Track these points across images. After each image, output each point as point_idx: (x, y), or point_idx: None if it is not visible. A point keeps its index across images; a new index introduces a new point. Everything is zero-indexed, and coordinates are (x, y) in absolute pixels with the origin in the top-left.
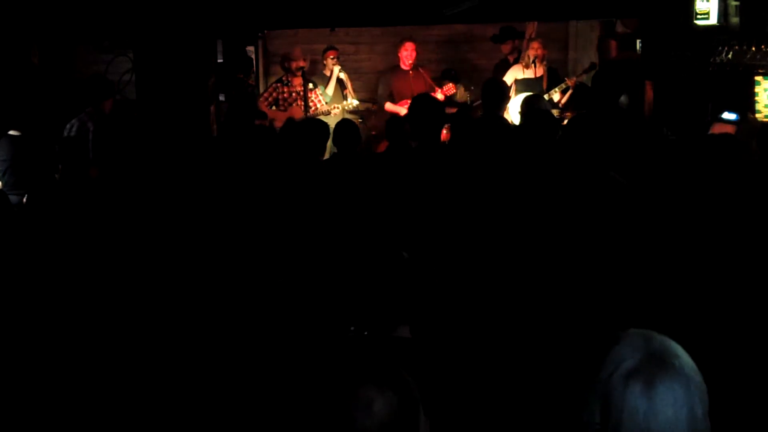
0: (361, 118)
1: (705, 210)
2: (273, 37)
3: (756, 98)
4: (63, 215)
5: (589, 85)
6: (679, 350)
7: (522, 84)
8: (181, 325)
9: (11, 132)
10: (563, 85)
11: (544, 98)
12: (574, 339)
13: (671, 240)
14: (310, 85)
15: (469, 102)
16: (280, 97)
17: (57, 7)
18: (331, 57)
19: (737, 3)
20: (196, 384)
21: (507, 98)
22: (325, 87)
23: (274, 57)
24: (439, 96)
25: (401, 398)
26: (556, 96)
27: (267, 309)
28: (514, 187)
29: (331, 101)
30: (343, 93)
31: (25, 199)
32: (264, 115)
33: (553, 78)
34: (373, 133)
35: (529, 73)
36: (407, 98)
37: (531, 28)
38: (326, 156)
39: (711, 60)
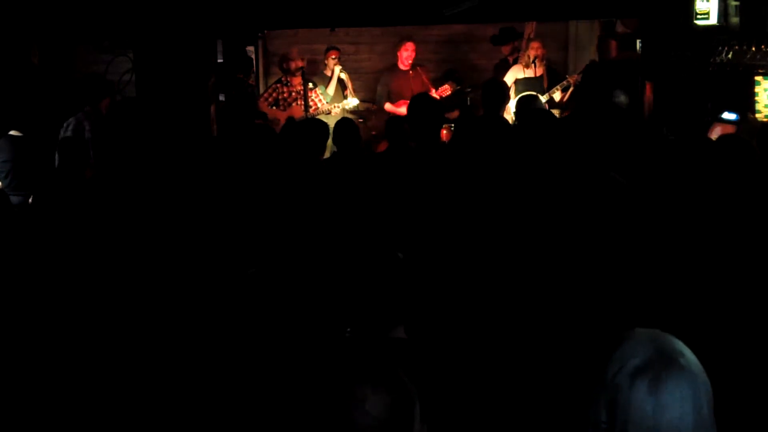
0: (361, 118)
1: (706, 210)
2: (273, 37)
3: (756, 98)
4: (60, 215)
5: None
6: (685, 349)
7: (522, 84)
8: (179, 325)
9: (12, 132)
10: (564, 83)
11: (539, 97)
12: (580, 339)
13: (672, 240)
14: (310, 85)
15: (469, 103)
16: (280, 97)
17: (57, 7)
18: (333, 57)
19: (737, 3)
20: (193, 382)
21: (507, 98)
22: (326, 87)
23: (274, 57)
24: (434, 95)
25: (395, 397)
26: (557, 95)
27: (264, 308)
28: (513, 187)
29: (332, 101)
30: (343, 93)
31: (31, 200)
32: (264, 115)
33: (554, 77)
34: (373, 133)
35: (529, 73)
36: (406, 98)
37: (530, 28)
38: (326, 156)
39: (711, 60)
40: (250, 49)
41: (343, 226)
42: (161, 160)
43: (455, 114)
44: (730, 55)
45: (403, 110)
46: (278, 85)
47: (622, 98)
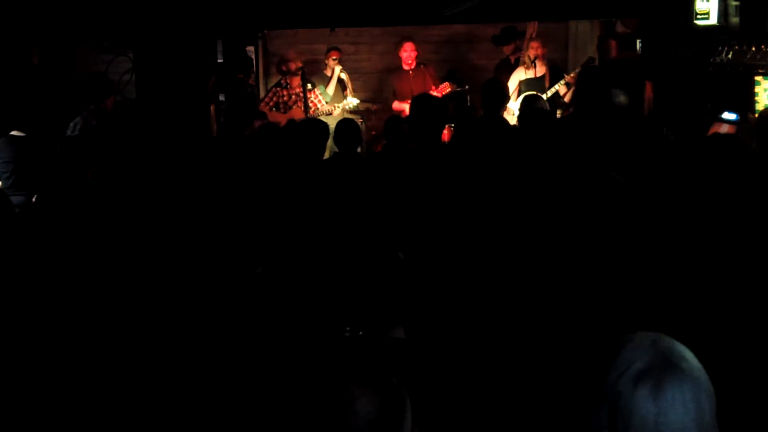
0: (362, 118)
1: (706, 210)
2: (273, 37)
3: (756, 98)
4: (62, 216)
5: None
6: (687, 352)
7: (525, 84)
8: (178, 325)
9: (14, 132)
10: (563, 81)
11: (542, 97)
12: (581, 342)
13: (672, 240)
14: (309, 86)
15: (469, 103)
16: (280, 101)
17: (57, 7)
18: (334, 58)
19: (737, 3)
20: (193, 381)
21: (507, 99)
22: (326, 87)
23: (274, 57)
24: (434, 95)
25: (384, 398)
26: (562, 89)
27: (264, 308)
28: (514, 187)
29: (332, 101)
30: (343, 93)
31: (34, 200)
32: (264, 116)
33: (556, 75)
34: (374, 133)
35: (531, 74)
36: (407, 98)
37: (532, 27)
38: (326, 156)
39: (711, 60)
40: (250, 49)
41: (343, 226)
42: (161, 160)
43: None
44: (730, 55)
45: (407, 107)
46: (277, 88)
47: (621, 98)
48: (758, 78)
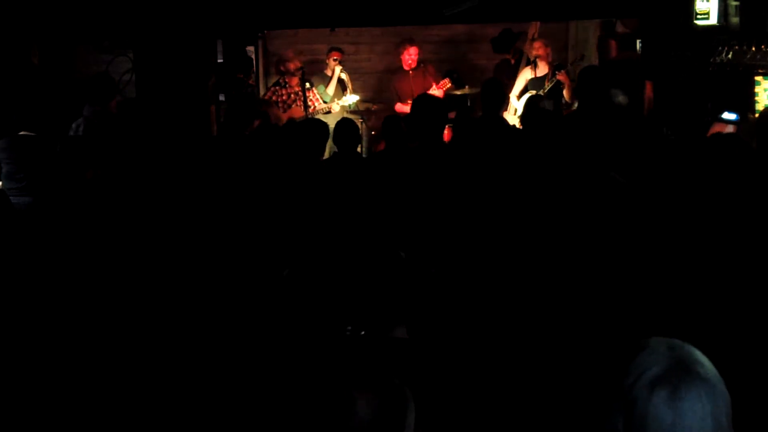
0: (362, 118)
1: (707, 209)
2: (273, 37)
3: (756, 98)
4: (63, 216)
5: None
6: (703, 358)
7: (530, 85)
8: (178, 325)
9: (22, 133)
10: (554, 79)
11: (544, 98)
12: (595, 347)
13: (673, 240)
14: (307, 85)
15: (468, 103)
16: (279, 100)
17: (57, 7)
18: (335, 58)
19: (737, 3)
20: (193, 381)
21: (506, 99)
22: (326, 87)
23: (273, 57)
24: (436, 92)
25: (383, 399)
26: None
27: (264, 308)
28: (514, 187)
29: (331, 101)
30: (343, 93)
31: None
32: (265, 116)
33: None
34: (374, 133)
35: (537, 73)
36: (408, 98)
37: (534, 28)
38: (326, 156)
39: (711, 60)
40: (250, 49)
41: (344, 226)
42: (161, 160)
43: (452, 115)
44: (730, 55)
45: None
46: (276, 87)
47: (621, 98)
48: (758, 78)
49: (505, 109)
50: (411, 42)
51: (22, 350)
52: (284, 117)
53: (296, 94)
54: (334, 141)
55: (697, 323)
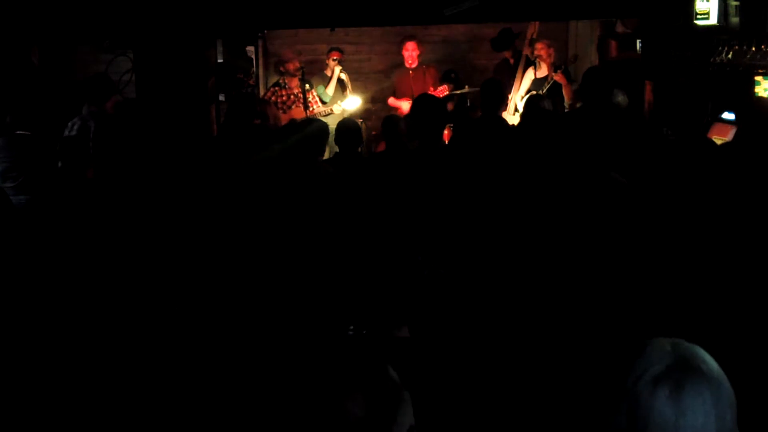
0: (362, 118)
1: (707, 209)
2: (273, 37)
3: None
4: (62, 215)
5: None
6: (707, 356)
7: (532, 85)
8: (177, 325)
9: (19, 132)
10: (550, 79)
11: (544, 98)
12: (598, 346)
13: (673, 240)
14: (306, 86)
15: (468, 103)
16: (279, 100)
17: (57, 7)
18: (334, 58)
19: (737, 3)
20: (187, 381)
21: (506, 99)
22: (326, 87)
23: (273, 57)
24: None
25: (371, 399)
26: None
27: (265, 309)
28: (514, 187)
29: (331, 101)
30: (343, 93)
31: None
32: (264, 116)
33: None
34: (374, 133)
35: (538, 74)
36: (406, 96)
37: (533, 28)
38: (326, 156)
39: (711, 60)
40: (250, 49)
41: (345, 227)
42: (161, 160)
43: (450, 106)
44: (730, 55)
45: (403, 105)
46: (276, 88)
47: (621, 98)
48: (758, 78)
49: (505, 109)
50: (411, 38)
51: (22, 350)
52: (284, 118)
53: (296, 95)
54: (335, 141)
55: (699, 322)
